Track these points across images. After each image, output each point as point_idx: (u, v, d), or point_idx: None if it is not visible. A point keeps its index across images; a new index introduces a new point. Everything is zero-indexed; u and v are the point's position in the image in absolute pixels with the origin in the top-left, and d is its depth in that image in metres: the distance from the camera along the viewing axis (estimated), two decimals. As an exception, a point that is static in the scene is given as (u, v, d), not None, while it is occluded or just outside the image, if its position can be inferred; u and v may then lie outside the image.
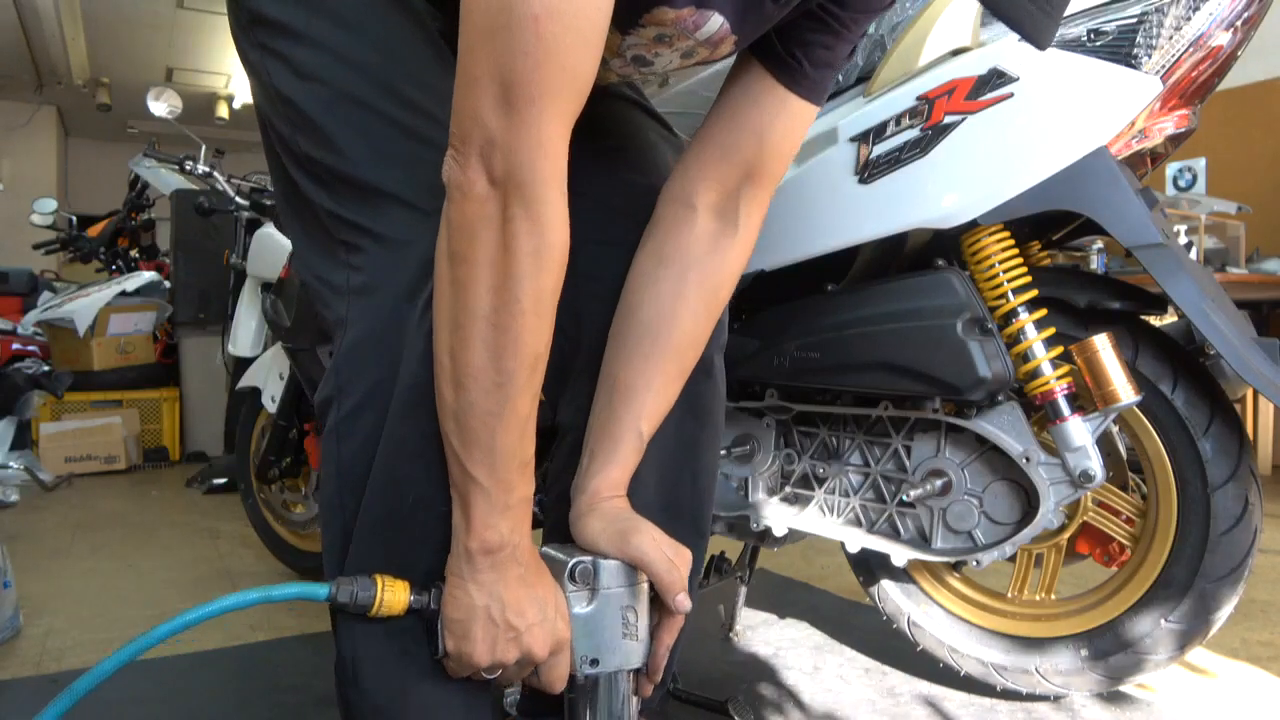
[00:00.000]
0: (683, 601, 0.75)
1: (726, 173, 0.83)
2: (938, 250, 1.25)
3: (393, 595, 0.70)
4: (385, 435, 0.74)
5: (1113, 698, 1.35)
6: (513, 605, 0.69)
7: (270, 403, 2.18)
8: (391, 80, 0.71)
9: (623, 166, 0.92)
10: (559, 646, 0.72)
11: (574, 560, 0.74)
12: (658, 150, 0.95)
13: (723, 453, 1.42)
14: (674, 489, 0.89)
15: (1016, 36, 1.11)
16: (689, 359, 0.84)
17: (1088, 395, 1.15)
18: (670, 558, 0.75)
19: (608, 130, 0.95)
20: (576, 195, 0.72)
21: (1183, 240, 3.28)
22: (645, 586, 0.75)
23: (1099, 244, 3.05)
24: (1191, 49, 1.09)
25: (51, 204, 4.68)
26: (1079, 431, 1.15)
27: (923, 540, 1.29)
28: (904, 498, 1.29)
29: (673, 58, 0.80)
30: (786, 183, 1.27)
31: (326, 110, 0.76)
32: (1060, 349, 1.18)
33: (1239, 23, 1.09)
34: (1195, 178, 4.18)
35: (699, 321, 0.83)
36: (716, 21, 0.74)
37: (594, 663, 0.74)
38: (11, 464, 3.62)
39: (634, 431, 0.81)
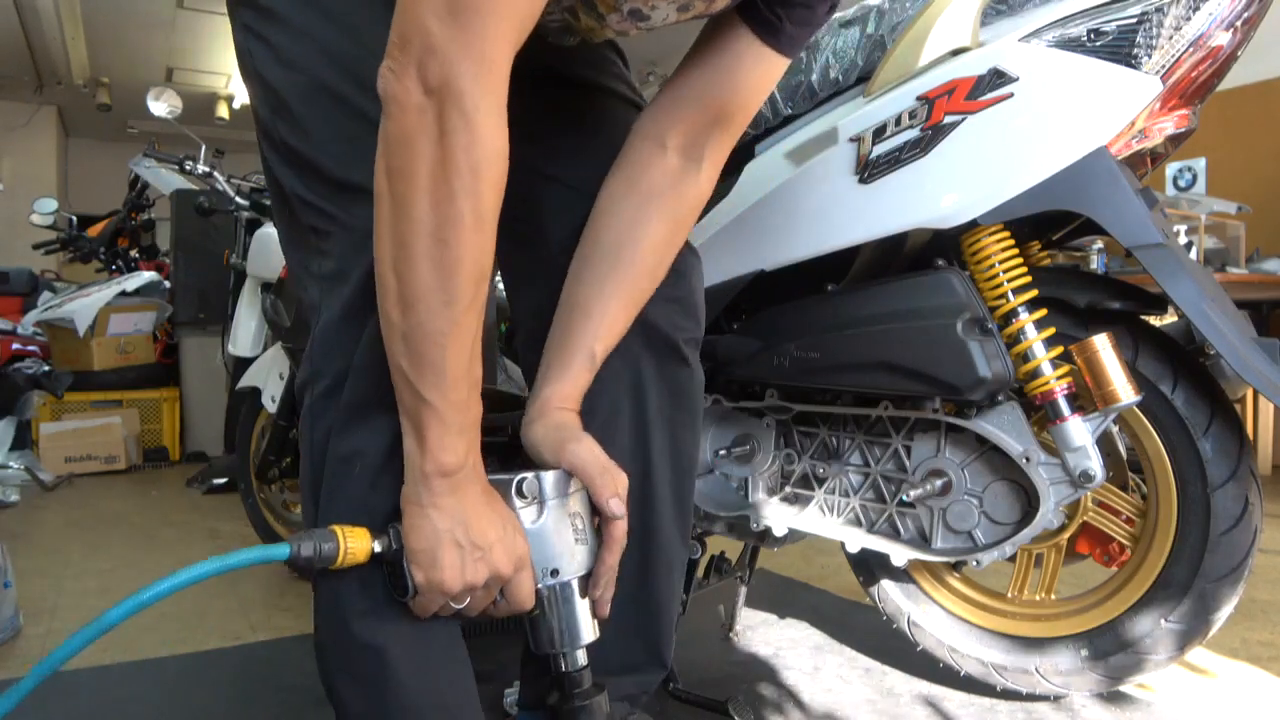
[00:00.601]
0: (615, 506, 0.77)
1: (697, 117, 0.86)
2: (938, 250, 1.25)
3: (356, 543, 0.70)
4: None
5: (1113, 698, 1.35)
6: (475, 525, 0.69)
7: (270, 403, 2.18)
8: (367, 74, 0.72)
9: (607, 160, 0.90)
10: (521, 563, 0.73)
11: (518, 476, 0.75)
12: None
13: (722, 452, 1.42)
14: (653, 467, 0.91)
15: (1018, 36, 1.12)
16: (645, 285, 0.86)
17: (1088, 395, 1.15)
18: (604, 465, 0.77)
19: (598, 127, 0.95)
20: (554, 181, 0.73)
21: (1183, 240, 3.28)
22: (584, 492, 0.78)
23: (1099, 244, 3.05)
24: (1191, 49, 1.08)
25: (52, 204, 4.68)
26: (1079, 431, 1.15)
27: (923, 540, 1.29)
28: (904, 498, 1.29)
29: (669, 11, 0.81)
30: (786, 183, 1.27)
31: (303, 99, 0.76)
32: (1060, 349, 1.18)
33: (1239, 23, 1.09)
34: (1195, 178, 4.18)
35: (658, 249, 0.86)
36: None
37: (554, 573, 0.76)
38: (11, 464, 3.62)
39: (586, 350, 0.84)
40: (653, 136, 0.87)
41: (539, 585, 0.75)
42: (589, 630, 0.79)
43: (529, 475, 0.75)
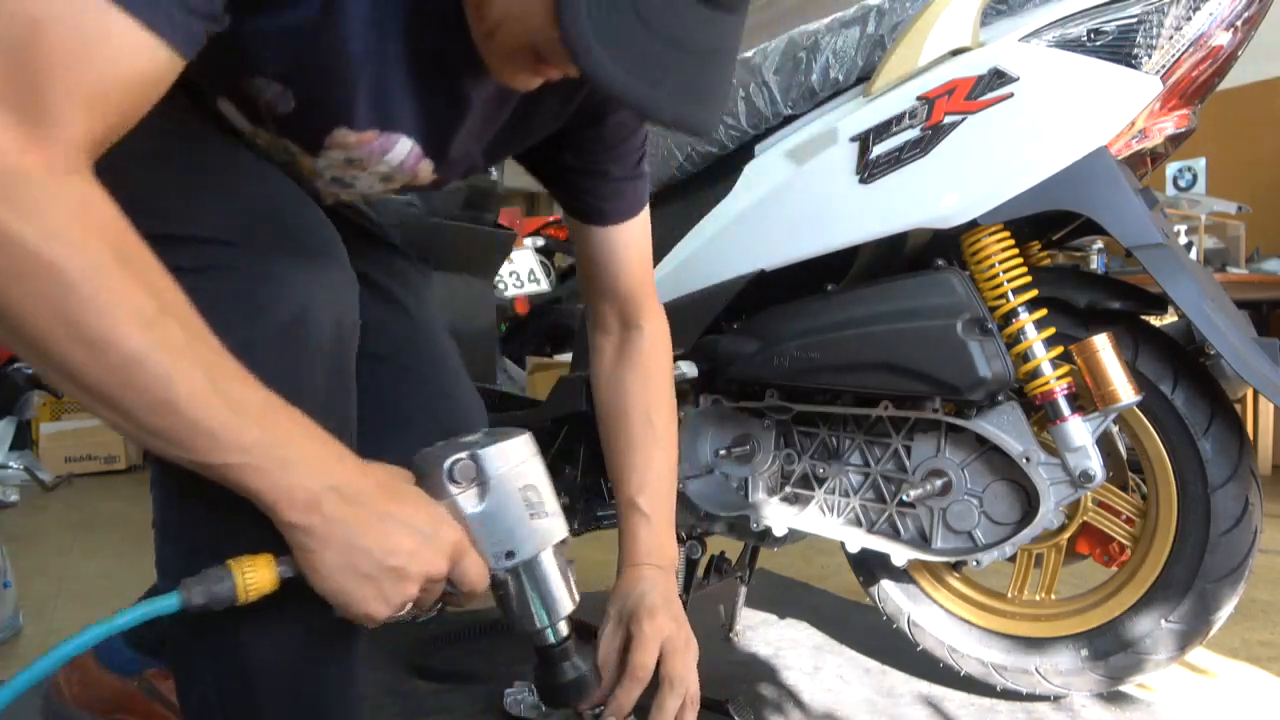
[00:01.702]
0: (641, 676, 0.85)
1: (611, 302, 1.00)
2: (938, 250, 1.25)
3: (256, 574, 0.61)
4: None
5: (1113, 698, 1.35)
6: (379, 544, 0.61)
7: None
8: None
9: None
10: (457, 552, 0.65)
11: (449, 459, 0.67)
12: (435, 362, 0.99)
13: (722, 452, 1.42)
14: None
15: (1018, 36, 1.12)
16: (648, 429, 0.98)
17: (1088, 395, 1.15)
18: (661, 639, 0.86)
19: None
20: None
21: (1183, 240, 3.28)
22: (537, 459, 0.72)
23: (1099, 244, 3.05)
24: (1191, 49, 1.09)
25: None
26: (1079, 431, 1.15)
27: (923, 540, 1.29)
28: (904, 498, 1.29)
29: (371, 181, 0.83)
30: (786, 183, 1.27)
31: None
32: (1060, 349, 1.17)
33: (1239, 23, 1.09)
34: (1195, 178, 4.19)
35: (644, 402, 0.99)
36: (405, 145, 0.77)
37: (510, 554, 0.70)
38: (11, 464, 3.62)
39: (630, 504, 0.95)
40: (597, 327, 1.03)
41: (494, 569, 0.69)
42: (565, 601, 0.74)
43: (462, 456, 0.68)
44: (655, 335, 1.02)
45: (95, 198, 0.53)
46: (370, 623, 0.63)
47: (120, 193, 0.55)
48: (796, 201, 1.26)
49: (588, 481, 1.51)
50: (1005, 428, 1.20)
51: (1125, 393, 1.12)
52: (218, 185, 0.71)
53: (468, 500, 0.68)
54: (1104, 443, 1.23)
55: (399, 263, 1.03)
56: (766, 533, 1.40)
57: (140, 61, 0.53)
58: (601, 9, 0.57)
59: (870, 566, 1.45)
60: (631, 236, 0.97)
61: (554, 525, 0.72)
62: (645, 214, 0.97)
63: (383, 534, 0.61)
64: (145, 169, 0.65)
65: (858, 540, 1.31)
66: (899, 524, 1.31)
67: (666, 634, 0.87)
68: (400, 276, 1.01)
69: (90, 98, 0.52)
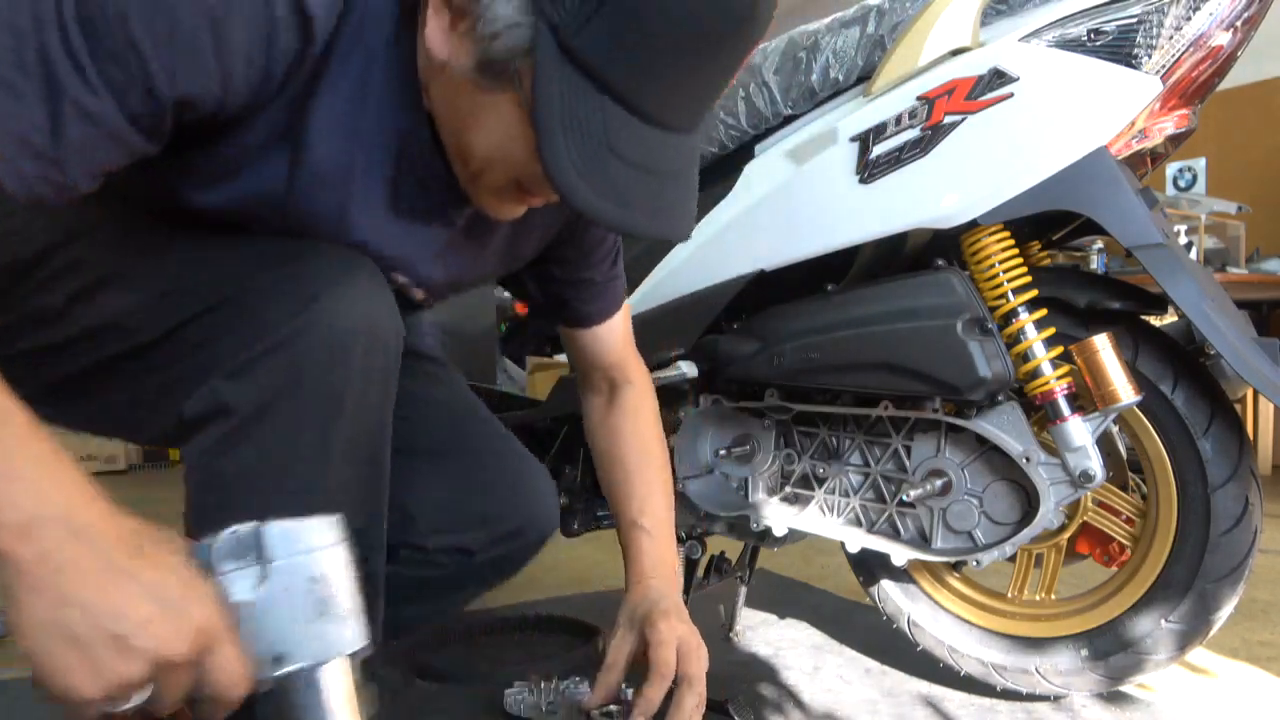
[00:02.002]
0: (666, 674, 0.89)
1: (600, 370, 1.09)
2: (938, 250, 1.25)
3: None
4: None
5: (1113, 698, 1.35)
6: (102, 604, 0.48)
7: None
8: None
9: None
10: (207, 638, 0.50)
11: (228, 529, 0.55)
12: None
13: (722, 452, 1.42)
14: None
15: (1018, 36, 1.12)
16: (648, 459, 1.07)
17: (1088, 395, 1.15)
18: (676, 640, 0.90)
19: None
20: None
21: (1183, 240, 3.28)
22: (341, 549, 0.57)
23: (1099, 244, 3.05)
24: (1191, 49, 1.08)
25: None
26: (1079, 431, 1.15)
27: (923, 540, 1.29)
28: (904, 498, 1.29)
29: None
30: (786, 183, 1.27)
31: None
32: (1060, 349, 1.17)
33: (1239, 23, 1.09)
34: (1195, 178, 4.18)
35: (641, 434, 1.08)
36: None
37: (278, 660, 0.54)
38: (11, 464, 3.61)
39: (632, 524, 1.02)
40: (588, 388, 1.12)
41: (259, 675, 0.53)
42: None
43: (244, 528, 0.55)
44: (642, 386, 1.11)
45: None
46: (75, 703, 0.49)
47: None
48: (796, 201, 1.26)
49: (588, 481, 1.51)
50: (1005, 428, 1.20)
51: (1125, 393, 1.12)
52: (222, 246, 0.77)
53: (241, 582, 0.54)
54: (1104, 443, 1.23)
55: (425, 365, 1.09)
56: (766, 533, 1.40)
57: None
58: (578, 145, 0.63)
59: (870, 566, 1.45)
60: (615, 324, 1.07)
61: (346, 632, 0.56)
62: (625, 306, 1.09)
63: (110, 590, 0.48)
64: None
65: (858, 540, 1.31)
66: (899, 524, 1.31)
67: (681, 635, 0.91)
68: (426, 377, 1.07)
69: None
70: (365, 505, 0.78)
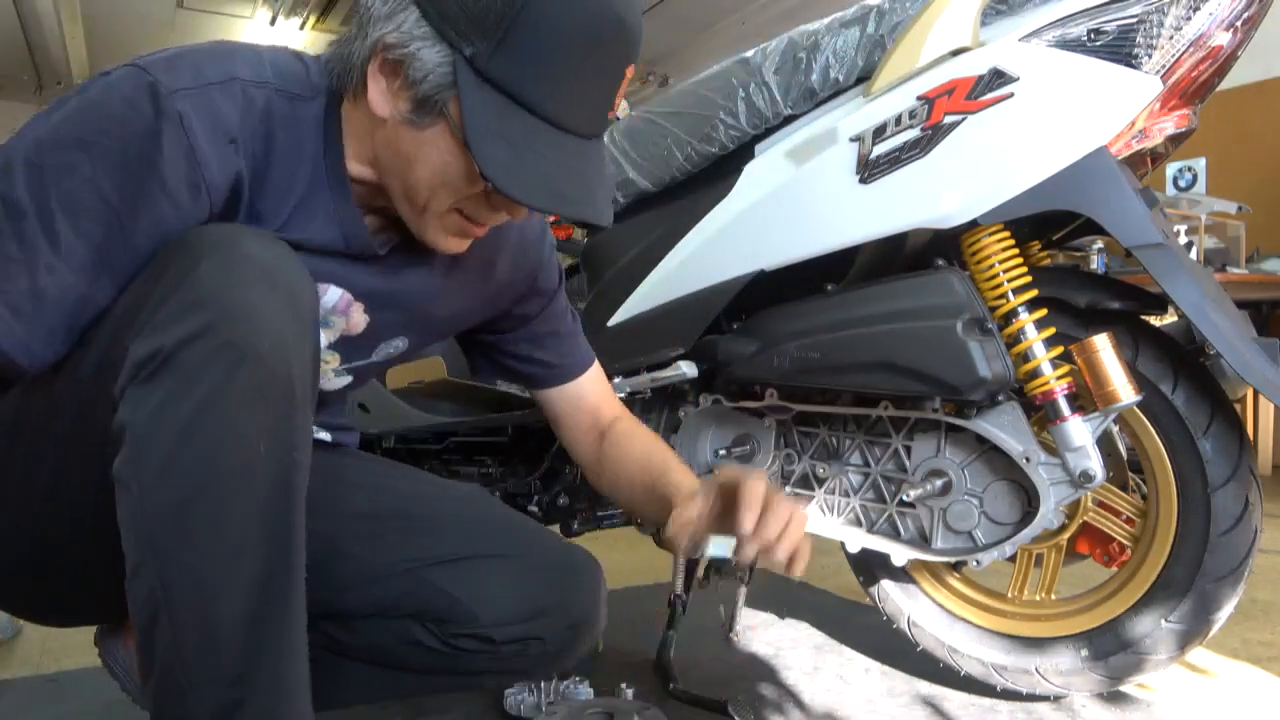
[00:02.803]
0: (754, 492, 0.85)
1: (586, 425, 1.12)
2: (938, 250, 1.25)
3: None
4: None
5: (1113, 698, 1.35)
6: None
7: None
8: None
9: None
10: None
11: None
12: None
13: (722, 452, 1.42)
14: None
15: (1018, 36, 1.12)
16: (658, 451, 1.07)
17: (1088, 395, 1.15)
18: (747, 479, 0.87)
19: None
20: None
21: (1183, 240, 3.28)
22: None
23: (1099, 244, 3.05)
24: (1191, 49, 1.08)
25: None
26: (1079, 431, 1.15)
27: (923, 540, 1.29)
28: (904, 498, 1.29)
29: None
30: (786, 183, 1.27)
31: None
32: (1060, 349, 1.17)
33: (1239, 23, 1.09)
34: (1195, 178, 4.18)
35: (647, 447, 1.08)
36: (335, 294, 0.89)
37: None
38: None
39: (664, 478, 1.00)
40: (578, 447, 1.13)
41: None
42: None
43: None
44: (629, 416, 1.14)
45: None
46: None
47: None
48: (796, 201, 1.26)
49: (588, 482, 1.51)
50: (1005, 428, 1.20)
51: (1125, 393, 1.12)
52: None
53: None
54: (1104, 443, 1.23)
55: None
56: (766, 533, 1.39)
57: None
58: (505, 148, 0.75)
59: (870, 566, 1.45)
60: (593, 379, 1.13)
61: None
62: (596, 364, 1.14)
63: None
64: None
65: (858, 540, 1.31)
66: (899, 524, 1.31)
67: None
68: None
69: None
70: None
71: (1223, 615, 1.18)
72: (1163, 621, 1.20)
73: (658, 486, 1.00)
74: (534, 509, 1.59)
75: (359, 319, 0.92)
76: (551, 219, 1.24)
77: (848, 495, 1.35)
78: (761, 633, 1.69)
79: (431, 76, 0.76)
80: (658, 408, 1.50)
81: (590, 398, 1.12)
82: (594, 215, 0.80)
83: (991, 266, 1.18)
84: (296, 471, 0.73)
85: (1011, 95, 1.10)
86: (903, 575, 1.42)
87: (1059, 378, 1.16)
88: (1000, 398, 1.21)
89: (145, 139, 0.72)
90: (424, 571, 0.99)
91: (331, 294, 0.88)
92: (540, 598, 1.02)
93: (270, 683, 0.70)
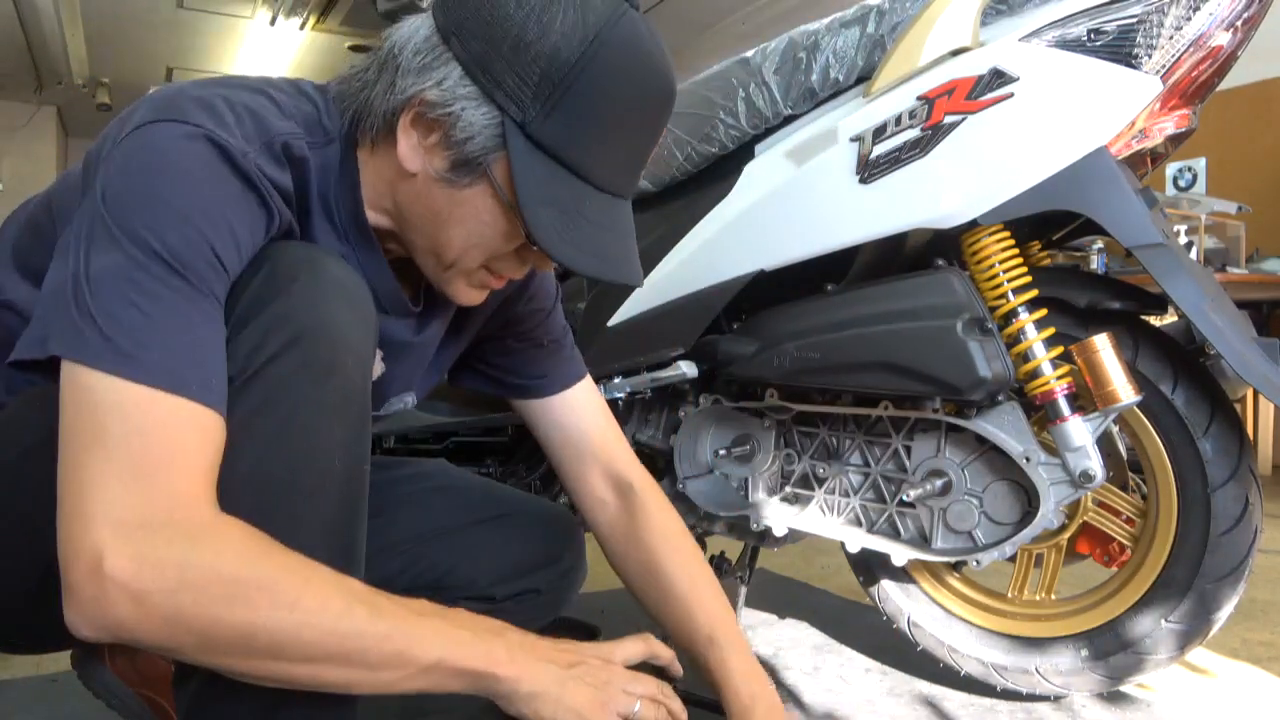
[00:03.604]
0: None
1: (594, 464, 1.04)
2: (938, 250, 1.25)
3: None
4: None
5: (1113, 698, 1.35)
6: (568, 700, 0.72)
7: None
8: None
9: None
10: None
11: None
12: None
13: (722, 452, 1.42)
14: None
15: (1018, 36, 1.12)
16: (686, 579, 1.00)
17: (1088, 395, 1.15)
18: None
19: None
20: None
21: (1183, 240, 3.28)
22: None
23: (1099, 244, 3.05)
24: (1191, 49, 1.08)
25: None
26: (1079, 431, 1.15)
27: (923, 540, 1.29)
28: (904, 498, 1.29)
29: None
30: (786, 183, 1.27)
31: None
32: (1060, 349, 1.18)
33: (1239, 23, 1.09)
34: (1195, 178, 4.18)
35: (672, 562, 1.00)
36: None
37: None
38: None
39: (711, 643, 0.96)
40: (591, 504, 1.05)
41: None
42: None
43: None
44: (655, 494, 1.05)
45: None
46: None
47: None
48: (796, 201, 1.26)
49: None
50: (1005, 428, 1.20)
51: (1125, 393, 1.12)
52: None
53: None
54: (1104, 443, 1.24)
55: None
56: (766, 533, 1.40)
57: (213, 433, 0.65)
58: (556, 216, 0.74)
59: (870, 566, 1.45)
60: (588, 395, 1.07)
61: None
62: (590, 379, 1.08)
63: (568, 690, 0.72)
64: None
65: (858, 540, 1.31)
66: (899, 524, 1.31)
67: None
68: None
69: (197, 472, 0.63)
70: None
71: (1223, 615, 1.18)
72: (1163, 621, 1.20)
73: (695, 642, 0.97)
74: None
75: (377, 367, 0.92)
76: None
77: (848, 495, 1.35)
78: (761, 633, 1.69)
79: (478, 138, 0.74)
80: (658, 408, 1.50)
81: (589, 430, 1.05)
82: (632, 278, 0.81)
83: (991, 266, 1.18)
84: (363, 483, 0.75)
85: (1011, 95, 1.10)
86: (903, 575, 1.42)
87: (1059, 378, 1.16)
88: (1000, 398, 1.21)
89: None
90: (419, 547, 1.03)
91: None
92: (532, 552, 1.09)
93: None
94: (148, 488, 0.60)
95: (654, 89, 0.76)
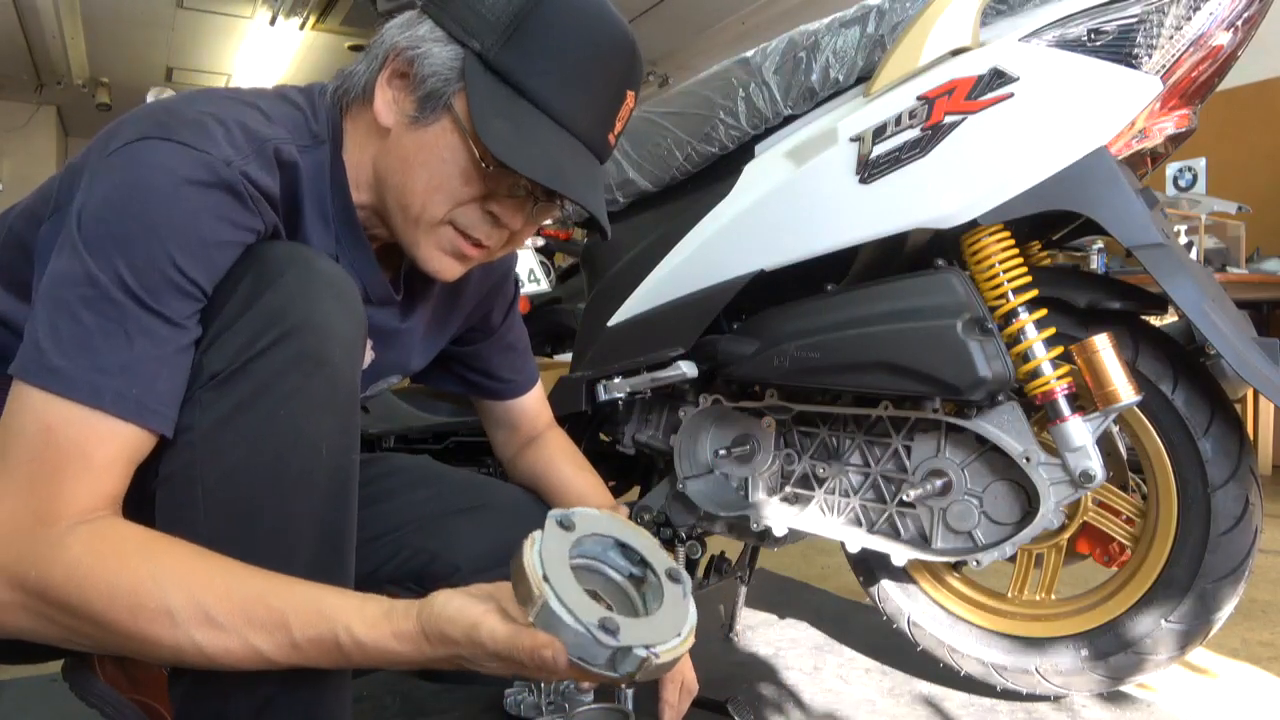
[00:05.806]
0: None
1: (521, 439, 1.22)
2: (938, 250, 1.25)
3: None
4: None
5: (1113, 698, 1.35)
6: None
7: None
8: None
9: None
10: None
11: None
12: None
13: (722, 452, 1.42)
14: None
15: (1018, 36, 1.12)
16: (586, 472, 1.20)
17: (1088, 395, 1.15)
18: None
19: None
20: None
21: (1183, 240, 3.28)
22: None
23: (1099, 244, 3.05)
24: (1191, 49, 1.08)
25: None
26: (1079, 431, 1.15)
27: (923, 540, 1.29)
28: (904, 498, 1.29)
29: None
30: (786, 183, 1.27)
31: None
32: (1060, 349, 1.17)
33: (1239, 23, 1.09)
34: (1195, 178, 4.18)
35: (570, 456, 1.20)
36: None
37: None
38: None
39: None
40: (508, 447, 1.23)
41: None
42: None
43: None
44: (560, 431, 1.24)
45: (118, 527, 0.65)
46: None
47: None
48: (796, 201, 1.26)
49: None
50: (1005, 428, 1.20)
51: (1125, 393, 1.12)
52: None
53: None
54: (1104, 443, 1.23)
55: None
56: (766, 533, 1.40)
57: (129, 445, 0.67)
58: (509, 128, 0.77)
59: (870, 566, 1.45)
60: (533, 400, 1.21)
61: None
62: (540, 381, 1.23)
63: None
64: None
65: (858, 540, 1.31)
66: (899, 524, 1.31)
67: None
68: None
69: (80, 484, 0.65)
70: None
71: (1223, 615, 1.18)
72: (1163, 621, 1.20)
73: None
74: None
75: (366, 355, 0.94)
76: (549, 220, 1.25)
77: (848, 495, 1.35)
78: (761, 633, 1.69)
79: (441, 72, 0.79)
80: (658, 408, 1.50)
81: (530, 425, 1.22)
82: (594, 205, 0.82)
83: (991, 266, 1.18)
84: (352, 473, 0.77)
85: (1011, 95, 1.10)
86: (903, 575, 1.42)
87: (1059, 378, 1.16)
88: (1000, 398, 1.21)
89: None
90: (400, 536, 1.06)
91: None
92: (510, 540, 1.07)
93: (312, 680, 0.72)
94: (28, 499, 0.63)
95: (607, 30, 0.81)
